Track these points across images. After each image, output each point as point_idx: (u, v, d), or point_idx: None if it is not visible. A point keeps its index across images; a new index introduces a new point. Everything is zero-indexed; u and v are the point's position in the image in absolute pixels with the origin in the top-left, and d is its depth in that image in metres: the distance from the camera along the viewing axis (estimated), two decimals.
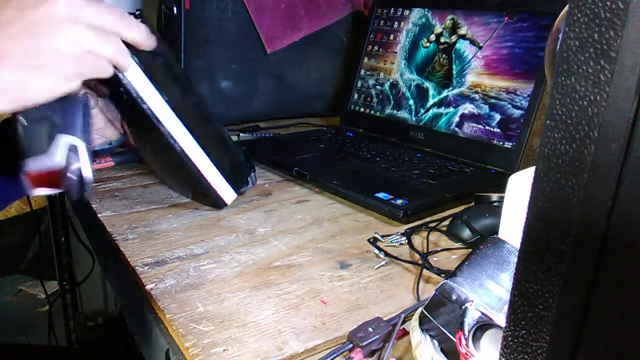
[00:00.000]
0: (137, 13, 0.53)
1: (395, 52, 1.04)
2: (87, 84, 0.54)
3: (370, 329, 0.43)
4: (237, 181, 0.67)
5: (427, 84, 0.97)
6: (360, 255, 0.58)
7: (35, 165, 0.49)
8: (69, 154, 0.50)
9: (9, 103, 0.45)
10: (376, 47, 1.08)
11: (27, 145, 0.49)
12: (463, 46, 0.92)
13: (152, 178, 0.79)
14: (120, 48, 0.50)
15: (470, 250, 0.45)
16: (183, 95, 0.61)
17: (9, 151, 0.52)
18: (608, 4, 0.17)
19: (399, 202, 0.68)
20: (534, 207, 0.20)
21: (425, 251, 0.60)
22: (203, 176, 0.63)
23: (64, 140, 0.50)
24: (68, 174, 0.50)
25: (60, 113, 0.50)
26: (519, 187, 0.43)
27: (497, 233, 0.41)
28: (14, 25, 0.43)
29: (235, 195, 0.67)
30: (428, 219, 0.68)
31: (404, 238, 0.62)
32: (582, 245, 0.18)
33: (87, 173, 0.51)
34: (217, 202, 0.67)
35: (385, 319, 0.45)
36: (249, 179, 0.69)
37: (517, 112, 0.83)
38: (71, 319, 1.45)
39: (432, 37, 0.97)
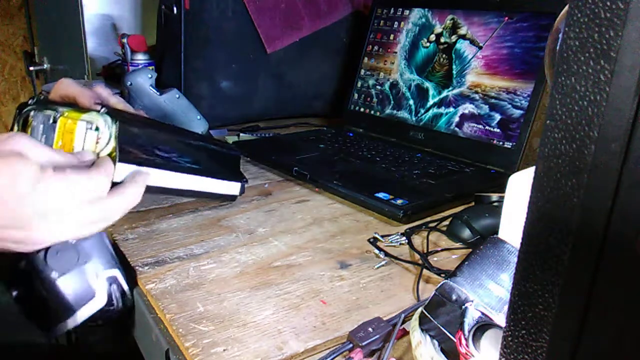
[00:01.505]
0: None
1: (395, 52, 1.04)
2: None
3: (370, 329, 0.43)
4: (235, 173, 0.68)
5: (427, 84, 0.97)
6: (360, 255, 0.58)
7: (85, 313, 0.47)
8: (109, 288, 0.49)
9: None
10: (376, 47, 1.08)
11: (67, 299, 0.46)
12: (463, 46, 0.92)
13: None
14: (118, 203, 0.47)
15: (470, 250, 0.45)
16: (174, 145, 0.59)
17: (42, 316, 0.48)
18: (608, 4, 0.17)
19: (399, 202, 0.68)
20: (534, 207, 0.20)
21: (425, 251, 0.60)
22: (206, 192, 0.64)
23: (102, 276, 0.48)
24: (111, 307, 0.49)
25: (86, 249, 0.48)
26: (519, 187, 0.42)
27: (497, 233, 0.41)
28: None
29: (238, 185, 0.68)
30: (428, 219, 0.68)
31: (404, 238, 0.62)
32: (582, 245, 0.18)
33: (129, 296, 0.51)
34: (227, 200, 0.69)
35: (385, 319, 0.45)
36: (242, 182, 0.69)
37: (517, 112, 0.83)
38: None
39: (432, 37, 0.97)
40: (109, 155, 0.49)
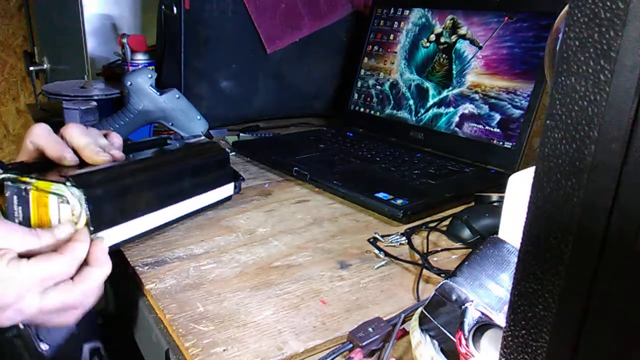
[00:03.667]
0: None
1: (395, 52, 1.04)
2: None
3: (370, 329, 0.43)
4: (227, 175, 0.68)
5: (427, 84, 0.97)
6: (360, 255, 0.58)
7: None
8: (92, 358, 0.50)
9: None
10: (376, 47, 1.08)
11: None
12: (463, 46, 0.92)
13: None
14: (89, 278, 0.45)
15: (470, 250, 0.45)
16: (153, 183, 0.56)
17: None
18: (608, 4, 0.17)
19: (399, 202, 0.68)
20: (534, 207, 0.20)
21: (425, 251, 0.60)
22: (201, 208, 0.64)
23: (86, 348, 0.50)
24: None
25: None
26: (519, 187, 0.43)
27: (497, 233, 0.41)
28: None
29: (232, 185, 0.68)
30: (428, 219, 0.68)
31: (404, 238, 0.62)
32: (582, 245, 0.18)
33: None
34: (224, 202, 0.68)
35: (385, 319, 0.45)
36: (236, 183, 0.69)
37: (517, 112, 0.83)
38: None
39: (432, 37, 0.97)
40: (85, 224, 0.47)
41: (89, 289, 0.44)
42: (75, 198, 0.47)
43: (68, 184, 0.46)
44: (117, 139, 0.57)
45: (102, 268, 0.45)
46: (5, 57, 2.33)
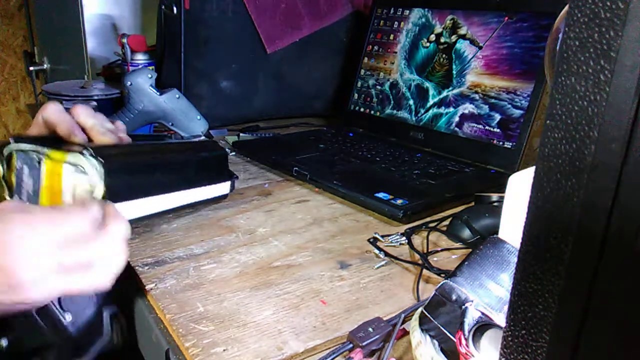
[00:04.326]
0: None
1: (395, 52, 1.04)
2: None
3: (370, 329, 0.43)
4: (223, 173, 0.68)
5: (427, 84, 0.97)
6: (360, 255, 0.58)
7: (93, 353, 0.48)
8: (113, 325, 0.50)
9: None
10: (376, 47, 1.08)
11: (79, 341, 0.47)
12: (463, 46, 0.92)
13: None
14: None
15: (470, 250, 0.45)
16: (157, 168, 0.58)
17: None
18: (608, 4, 0.17)
19: (399, 202, 0.68)
20: (534, 207, 0.20)
21: (425, 251, 0.60)
22: (198, 202, 0.65)
23: (107, 314, 0.50)
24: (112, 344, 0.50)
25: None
26: (519, 187, 0.43)
27: (497, 233, 0.41)
28: None
29: (228, 184, 0.68)
30: (428, 219, 0.68)
31: (404, 238, 0.62)
32: (582, 245, 0.18)
33: (126, 333, 0.52)
34: (219, 200, 0.69)
35: (385, 319, 0.45)
36: (230, 181, 0.69)
37: (517, 112, 0.83)
38: None
39: (432, 37, 0.97)
40: (102, 197, 0.47)
41: (111, 243, 0.43)
42: (93, 167, 0.47)
43: (86, 152, 0.47)
44: (121, 126, 0.59)
45: (119, 223, 0.45)
46: (5, 57, 2.32)
